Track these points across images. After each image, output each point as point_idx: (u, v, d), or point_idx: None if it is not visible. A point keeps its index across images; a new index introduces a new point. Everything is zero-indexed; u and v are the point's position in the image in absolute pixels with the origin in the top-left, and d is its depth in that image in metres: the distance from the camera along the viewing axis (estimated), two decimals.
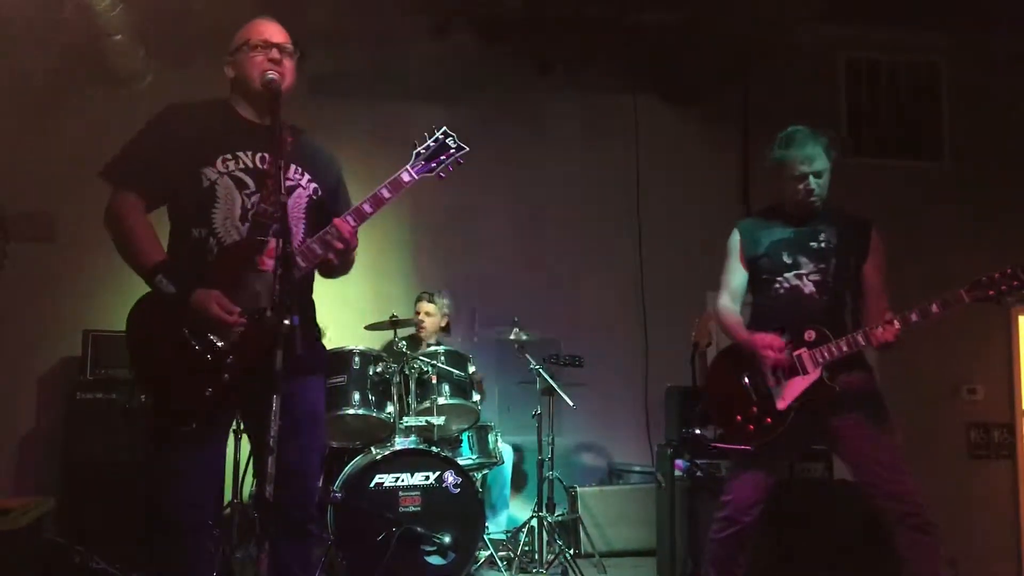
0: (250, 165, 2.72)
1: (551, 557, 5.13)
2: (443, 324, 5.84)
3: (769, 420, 3.48)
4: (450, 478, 4.52)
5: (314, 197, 2.82)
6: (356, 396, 4.80)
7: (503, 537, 5.51)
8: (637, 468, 6.20)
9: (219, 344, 2.58)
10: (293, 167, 2.79)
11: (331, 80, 6.12)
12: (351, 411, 4.76)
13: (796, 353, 3.46)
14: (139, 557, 4.42)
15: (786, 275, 3.58)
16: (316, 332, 2.94)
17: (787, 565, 4.31)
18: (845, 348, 3.39)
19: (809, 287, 3.55)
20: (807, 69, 7.11)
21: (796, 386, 3.46)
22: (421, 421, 4.78)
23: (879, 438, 3.41)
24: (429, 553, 4.39)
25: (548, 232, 6.78)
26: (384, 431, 4.87)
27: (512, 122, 6.65)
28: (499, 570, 4.88)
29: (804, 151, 3.55)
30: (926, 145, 7.28)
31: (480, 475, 5.25)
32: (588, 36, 6.37)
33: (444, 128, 2.81)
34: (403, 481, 4.46)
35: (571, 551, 5.20)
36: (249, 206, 2.68)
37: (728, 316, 3.70)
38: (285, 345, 2.30)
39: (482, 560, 4.91)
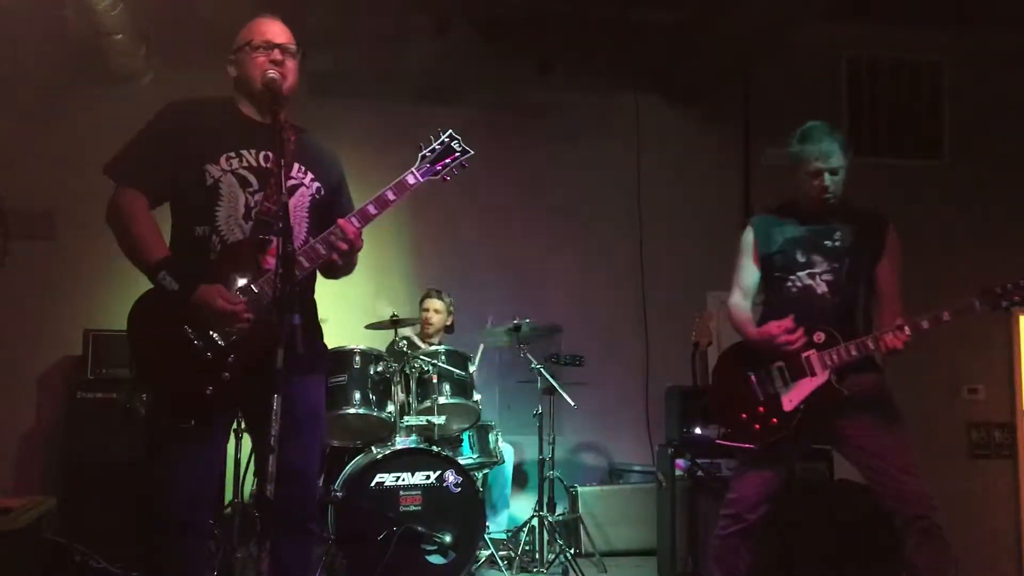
0: (253, 163, 2.72)
1: (552, 556, 5.13)
2: (448, 323, 5.85)
3: (775, 420, 3.46)
4: (451, 477, 4.52)
5: (317, 196, 2.82)
6: (357, 395, 4.80)
7: (504, 536, 5.51)
8: (638, 468, 6.20)
9: (220, 342, 2.58)
10: (296, 166, 2.79)
11: (332, 80, 6.12)
12: (352, 410, 4.76)
13: (805, 355, 3.42)
14: (139, 556, 4.45)
15: (799, 274, 3.54)
16: (318, 331, 2.93)
17: (787, 565, 4.31)
18: (855, 352, 3.35)
19: (822, 287, 3.51)
20: (808, 68, 7.11)
21: (803, 388, 3.43)
22: (422, 420, 4.78)
23: (888, 440, 3.38)
24: (430, 552, 4.40)
25: (549, 230, 6.78)
26: (385, 430, 4.87)
27: (513, 121, 6.65)
28: (500, 569, 4.89)
29: (821, 147, 3.51)
30: (926, 144, 7.28)
31: (481, 474, 5.25)
32: (589, 35, 6.37)
33: (450, 131, 2.81)
34: (404, 480, 4.46)
35: (572, 550, 5.21)
36: (252, 204, 2.67)
37: (739, 313, 3.66)
38: (286, 344, 2.29)
39: (483, 559, 4.91)
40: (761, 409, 3.50)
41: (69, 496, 5.03)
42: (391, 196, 2.72)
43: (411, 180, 2.75)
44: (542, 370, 5.36)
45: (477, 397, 5.08)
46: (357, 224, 2.68)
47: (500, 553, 5.03)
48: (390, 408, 4.86)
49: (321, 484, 3.56)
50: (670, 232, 6.88)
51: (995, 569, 6.40)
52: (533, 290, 6.55)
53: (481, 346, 5.72)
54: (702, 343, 5.08)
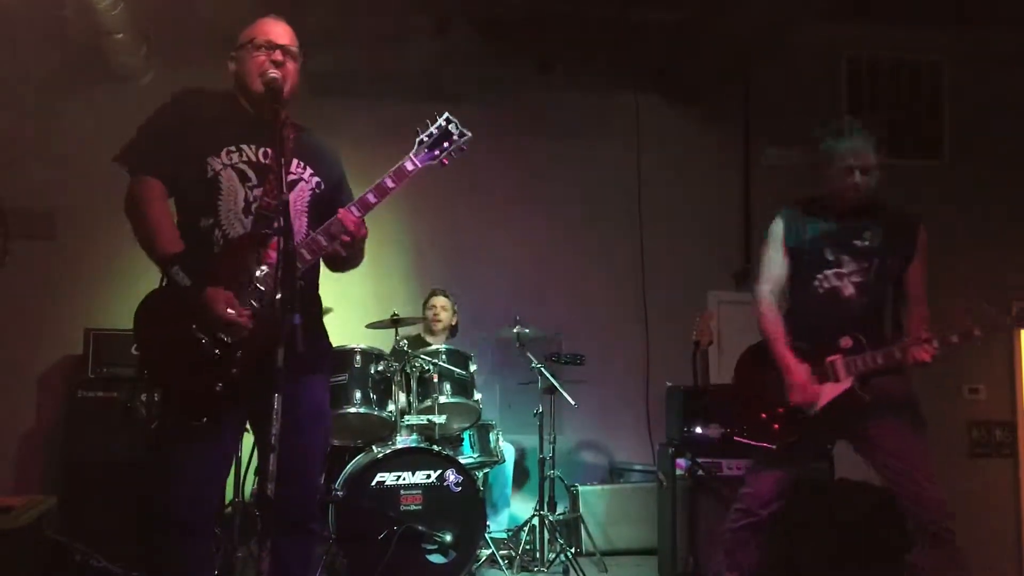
0: (253, 159, 2.72)
1: (552, 556, 5.13)
2: (454, 322, 5.86)
3: (795, 423, 3.44)
4: (451, 477, 4.51)
5: (317, 191, 2.82)
6: (357, 394, 4.80)
7: (504, 536, 5.51)
8: (638, 467, 6.20)
9: (227, 339, 2.58)
10: (295, 161, 2.78)
11: (332, 79, 6.12)
12: (352, 409, 4.76)
13: (830, 359, 3.40)
14: (140, 556, 4.45)
15: (827, 272, 3.50)
16: (322, 331, 2.93)
17: (788, 563, 4.30)
18: (881, 361, 3.33)
19: (849, 289, 3.47)
20: (808, 68, 7.12)
21: (826, 392, 3.41)
22: (422, 420, 4.78)
23: (911, 445, 3.38)
24: (430, 552, 4.39)
25: (549, 231, 6.78)
26: (385, 429, 4.87)
27: (513, 121, 6.66)
28: (500, 569, 4.89)
29: (855, 144, 3.47)
30: (926, 144, 7.28)
31: (481, 474, 5.25)
32: (589, 35, 6.37)
33: (446, 115, 2.78)
34: (404, 479, 4.46)
35: (572, 550, 5.21)
36: (252, 199, 2.67)
37: (770, 320, 3.60)
38: (287, 343, 2.29)
39: (483, 559, 4.91)
40: (781, 410, 3.48)
41: (70, 495, 5.03)
42: (390, 184, 2.70)
43: (409, 166, 2.73)
44: (543, 369, 5.36)
45: (478, 396, 5.08)
46: (357, 213, 2.67)
47: (501, 552, 5.03)
48: (391, 407, 4.86)
49: (322, 483, 3.55)
50: (670, 232, 6.89)
51: (995, 568, 6.39)
52: (533, 290, 6.55)
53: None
54: (703, 342, 5.07)
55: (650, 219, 6.87)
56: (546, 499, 5.25)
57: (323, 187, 2.84)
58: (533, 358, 5.38)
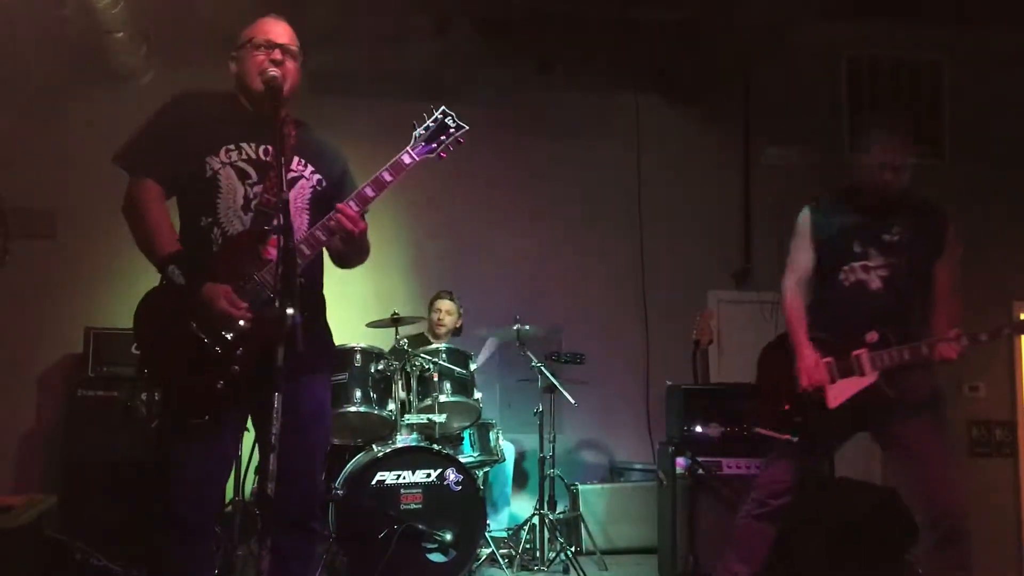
0: (253, 156, 2.72)
1: (552, 555, 5.13)
2: (458, 324, 5.86)
3: (817, 415, 3.44)
4: (451, 476, 4.51)
5: (318, 188, 2.82)
6: (358, 393, 4.79)
7: (504, 535, 5.51)
8: (638, 466, 6.21)
9: (228, 336, 2.58)
10: (296, 159, 2.79)
11: (332, 78, 6.13)
12: (352, 408, 4.75)
13: (856, 353, 3.39)
14: (141, 554, 4.46)
15: (853, 265, 3.48)
16: (326, 329, 2.92)
17: (786, 562, 4.30)
18: (907, 356, 3.32)
19: (876, 283, 3.46)
20: (808, 68, 7.12)
21: (850, 387, 3.40)
22: (422, 419, 4.78)
23: (936, 451, 3.38)
24: (430, 551, 4.39)
25: (549, 230, 6.79)
26: (385, 429, 4.87)
27: (513, 121, 6.66)
28: (500, 568, 4.89)
29: (889, 140, 3.46)
30: (927, 144, 7.28)
31: (481, 473, 5.25)
32: (589, 35, 6.37)
33: (443, 108, 2.78)
34: (404, 479, 4.46)
35: (572, 549, 5.21)
36: (251, 196, 2.67)
37: (793, 308, 3.59)
38: (287, 342, 2.29)
39: (483, 558, 4.91)
40: (804, 402, 3.47)
41: (70, 494, 5.03)
42: (388, 177, 2.70)
43: (407, 160, 2.73)
44: (542, 368, 5.36)
45: (478, 395, 5.08)
46: (355, 207, 2.67)
47: (501, 551, 5.03)
48: (391, 406, 4.86)
49: (322, 482, 3.55)
50: (670, 231, 6.89)
51: (995, 566, 6.40)
52: (534, 289, 6.56)
53: (491, 343, 5.74)
54: (703, 341, 5.08)
55: (650, 218, 6.87)
56: (546, 498, 5.25)
57: (324, 184, 2.84)
58: (533, 357, 5.38)
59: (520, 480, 6.25)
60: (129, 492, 4.95)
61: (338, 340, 4.91)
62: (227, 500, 4.73)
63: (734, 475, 4.66)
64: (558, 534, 5.15)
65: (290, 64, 2.75)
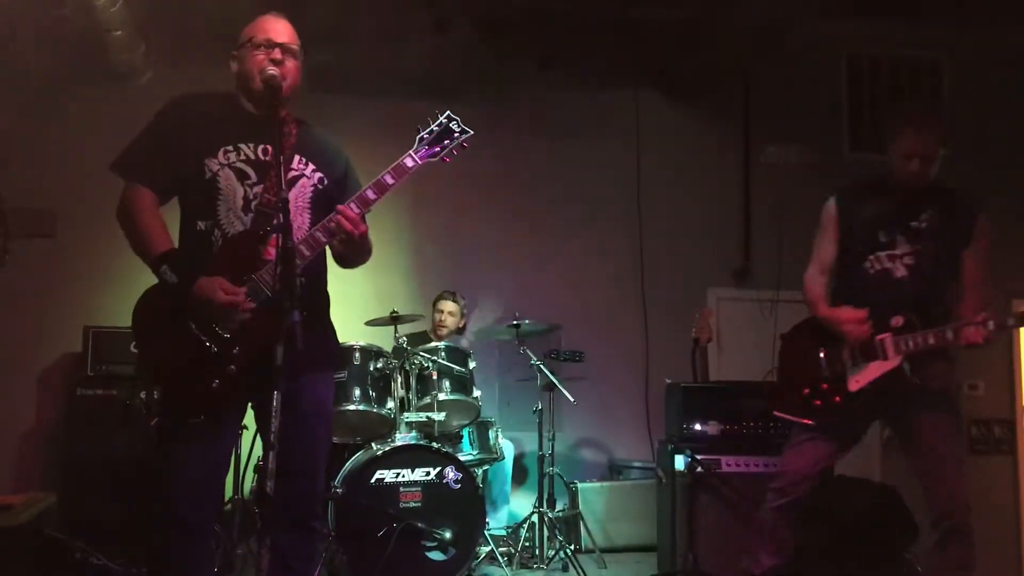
0: (252, 156, 2.72)
1: (552, 553, 5.13)
2: (461, 324, 5.86)
3: (838, 399, 3.44)
4: (451, 474, 4.51)
5: (319, 186, 2.82)
6: (357, 392, 4.79)
7: (504, 533, 5.51)
8: (638, 464, 6.20)
9: (224, 335, 2.58)
10: (297, 157, 2.79)
11: (332, 76, 6.12)
12: (351, 407, 4.75)
13: (879, 338, 3.38)
14: (139, 553, 4.46)
15: (879, 254, 3.47)
16: (328, 328, 2.92)
17: (786, 559, 4.30)
18: (932, 341, 3.29)
19: (901, 271, 3.45)
20: (808, 66, 7.12)
21: (872, 370, 3.39)
22: (422, 417, 4.77)
23: (953, 449, 3.39)
24: (430, 549, 4.39)
25: (549, 228, 6.79)
26: (385, 427, 4.87)
27: (513, 118, 6.66)
28: (500, 566, 4.89)
29: (920, 130, 3.45)
30: None
31: (481, 471, 5.26)
32: (589, 33, 6.37)
33: (448, 112, 2.78)
34: (404, 477, 4.46)
35: (572, 547, 5.21)
36: (251, 196, 2.67)
37: (814, 288, 3.60)
38: (286, 341, 2.29)
39: (483, 556, 4.91)
40: (825, 386, 3.48)
41: (69, 493, 5.04)
42: (390, 180, 2.70)
43: (409, 163, 2.73)
44: (542, 366, 5.36)
45: (477, 393, 5.08)
46: (356, 209, 2.67)
47: (500, 549, 5.03)
48: (390, 404, 4.86)
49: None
50: (670, 229, 6.89)
51: (994, 564, 6.40)
52: (533, 287, 6.56)
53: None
54: (702, 339, 5.08)
55: (650, 217, 6.87)
56: (545, 496, 5.25)
57: (326, 183, 2.83)
58: (532, 355, 5.38)
59: (519, 478, 6.25)
60: (128, 491, 4.95)
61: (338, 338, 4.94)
62: (226, 499, 4.74)
63: (733, 473, 4.67)
64: (557, 532, 5.15)
65: (290, 63, 2.75)
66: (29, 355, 5.98)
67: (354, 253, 2.84)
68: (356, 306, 5.71)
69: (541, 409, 5.39)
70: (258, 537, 2.50)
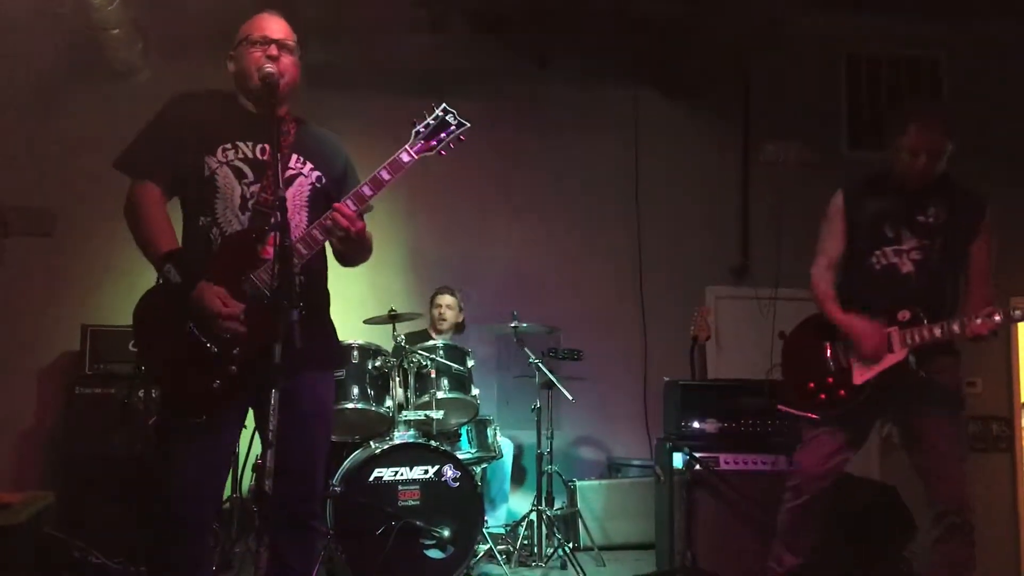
0: (250, 155, 2.72)
1: (550, 550, 5.13)
2: (460, 320, 5.86)
3: (843, 393, 3.44)
4: (449, 472, 4.51)
5: (317, 185, 2.81)
6: (355, 390, 4.80)
7: (502, 531, 5.51)
8: (636, 462, 6.20)
9: (225, 335, 2.58)
10: (295, 156, 2.79)
11: (329, 73, 6.12)
12: (350, 405, 4.75)
13: (885, 331, 3.39)
14: (138, 552, 4.46)
15: (885, 249, 3.47)
16: (329, 326, 2.92)
17: None
18: (938, 334, 3.29)
19: (908, 266, 3.44)
20: (807, 63, 7.11)
21: (878, 364, 3.39)
22: (420, 415, 4.77)
23: (950, 445, 3.39)
24: (428, 547, 4.39)
25: (547, 225, 6.78)
26: (383, 425, 4.87)
27: (510, 115, 6.65)
28: (498, 563, 4.89)
29: (926, 126, 3.44)
30: None
31: (479, 469, 5.26)
32: (587, 29, 6.37)
33: (444, 105, 2.77)
34: (402, 475, 4.46)
35: (570, 545, 5.21)
36: (248, 195, 2.67)
37: (823, 289, 3.58)
38: (284, 340, 2.29)
39: (481, 554, 4.90)
40: (830, 380, 3.48)
41: (68, 491, 5.04)
42: (386, 175, 2.69)
43: (405, 158, 2.72)
44: (540, 365, 5.36)
45: (475, 392, 5.08)
46: (353, 206, 2.66)
47: (499, 547, 5.03)
48: (388, 403, 4.86)
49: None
50: (668, 226, 6.89)
51: (993, 561, 6.41)
52: (531, 285, 6.55)
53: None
54: (700, 337, 5.07)
55: (648, 214, 6.87)
56: (544, 494, 5.25)
57: (324, 181, 2.83)
58: (531, 353, 5.38)
59: (518, 476, 6.25)
60: (127, 489, 4.95)
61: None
62: (225, 497, 4.73)
63: (731, 471, 4.66)
64: (556, 530, 5.15)
65: (287, 59, 2.75)
66: (27, 354, 5.98)
67: (352, 251, 2.84)
68: (354, 304, 5.70)
69: (540, 407, 5.39)
70: (257, 536, 2.50)
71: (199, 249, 2.66)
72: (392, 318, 5.10)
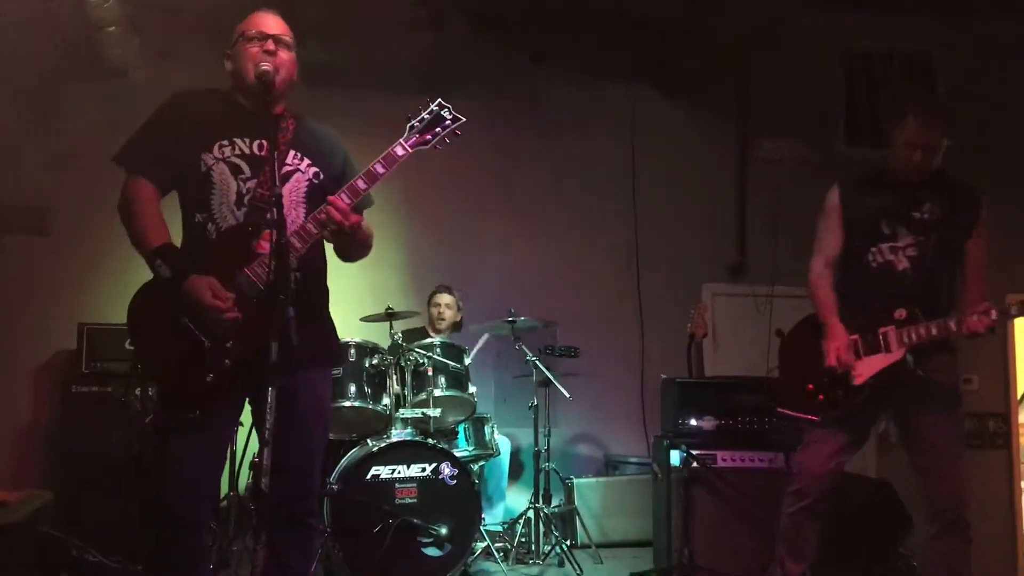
0: (246, 151, 2.72)
1: (547, 548, 5.14)
2: (458, 319, 5.86)
3: (841, 393, 3.43)
4: (446, 470, 4.51)
5: (315, 181, 2.82)
6: (352, 388, 4.79)
7: (499, 528, 5.52)
8: (633, 459, 6.20)
9: (218, 327, 2.57)
10: (292, 152, 2.79)
11: (326, 71, 6.11)
12: (347, 403, 4.75)
13: (882, 331, 3.38)
14: (135, 549, 4.46)
15: (881, 246, 3.47)
16: (327, 324, 2.92)
17: None
18: (935, 332, 3.30)
19: (903, 263, 3.44)
20: (804, 60, 7.11)
21: (875, 363, 3.39)
22: (417, 413, 4.77)
23: (948, 444, 3.40)
24: (425, 545, 4.39)
25: (543, 223, 6.78)
26: (380, 423, 4.87)
27: (507, 114, 6.65)
28: (495, 561, 4.89)
29: (922, 120, 3.43)
30: None
31: (476, 467, 5.25)
32: (584, 27, 6.36)
33: (439, 100, 2.78)
34: (399, 473, 4.46)
35: (567, 542, 5.21)
36: (244, 191, 2.68)
37: (820, 290, 3.58)
38: (280, 337, 2.29)
39: (478, 551, 4.90)
40: (828, 381, 3.47)
41: (65, 490, 5.04)
42: (380, 169, 2.70)
43: (399, 151, 2.73)
44: (537, 362, 5.36)
45: (472, 389, 5.08)
46: (347, 200, 2.67)
47: (496, 545, 5.03)
48: (385, 401, 4.85)
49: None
50: (665, 224, 6.90)
51: (989, 557, 6.42)
52: (528, 282, 6.55)
53: (485, 336, 5.74)
54: (698, 335, 5.08)
55: (645, 212, 6.87)
56: (541, 492, 5.25)
57: (322, 177, 2.83)
58: (528, 351, 5.38)
59: (515, 474, 6.25)
60: (124, 487, 4.94)
61: None
62: (222, 495, 4.73)
63: (729, 468, 4.67)
64: (553, 528, 5.15)
65: (284, 54, 2.77)
66: (23, 352, 5.96)
67: (346, 245, 2.84)
68: (351, 302, 5.70)
69: (537, 405, 5.39)
70: (254, 533, 2.49)
71: (195, 245, 2.67)
72: (389, 316, 5.10)
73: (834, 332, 3.46)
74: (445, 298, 5.83)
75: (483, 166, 6.49)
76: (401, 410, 4.80)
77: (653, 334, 6.67)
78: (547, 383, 5.39)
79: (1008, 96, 7.04)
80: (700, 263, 6.99)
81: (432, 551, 4.40)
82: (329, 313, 2.93)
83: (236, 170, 2.69)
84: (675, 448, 4.72)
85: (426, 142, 2.75)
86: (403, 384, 4.91)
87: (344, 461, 4.62)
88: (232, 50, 2.81)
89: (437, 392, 4.87)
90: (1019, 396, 7.10)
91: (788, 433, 4.08)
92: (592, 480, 5.88)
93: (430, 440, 4.65)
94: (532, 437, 5.41)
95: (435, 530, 4.38)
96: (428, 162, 2.78)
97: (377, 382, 4.89)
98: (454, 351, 5.08)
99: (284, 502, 2.54)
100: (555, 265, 6.74)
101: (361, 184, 2.69)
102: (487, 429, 5.27)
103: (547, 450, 5.39)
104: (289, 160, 2.78)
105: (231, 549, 4.61)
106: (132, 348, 2.75)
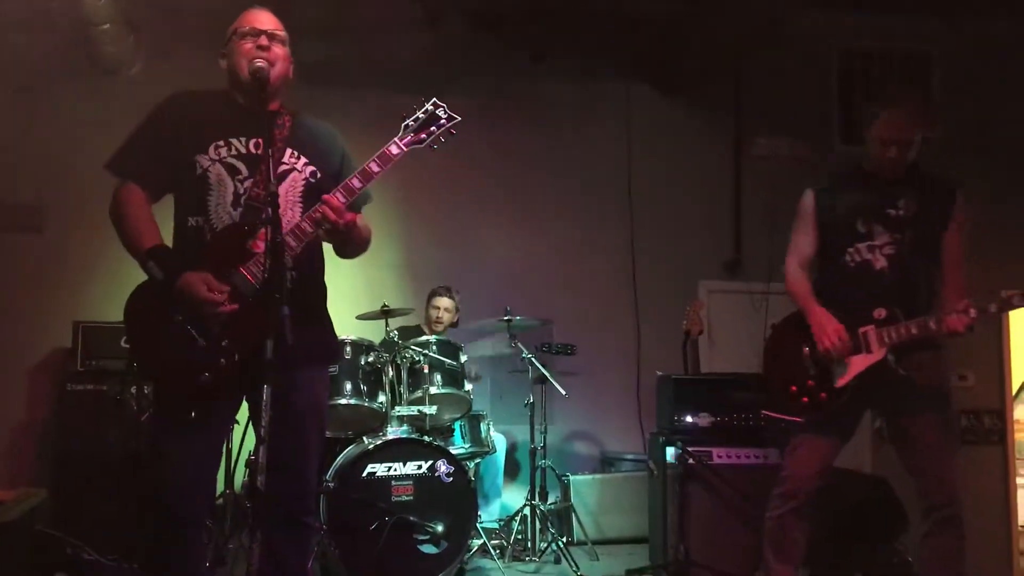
0: (243, 151, 2.72)
1: (544, 545, 5.15)
2: (455, 320, 5.86)
3: (824, 395, 3.42)
4: (442, 467, 4.51)
5: (311, 180, 2.81)
6: (348, 386, 4.79)
7: (496, 526, 5.52)
8: (629, 456, 6.22)
9: (213, 328, 2.57)
10: (289, 151, 2.78)
11: (324, 70, 6.10)
12: (343, 401, 4.74)
13: (863, 330, 3.36)
14: (131, 548, 4.45)
15: (858, 246, 3.45)
16: (325, 321, 2.91)
17: None
18: (915, 331, 3.28)
19: (881, 261, 3.42)
20: (800, 59, 7.12)
21: (857, 364, 3.37)
22: (413, 410, 4.77)
23: (942, 444, 3.39)
24: (422, 542, 4.39)
25: (540, 220, 6.79)
26: (376, 421, 4.87)
27: (504, 112, 6.65)
28: (492, 559, 4.89)
29: (894, 116, 3.40)
30: None
31: (472, 464, 5.25)
32: (581, 26, 6.36)
33: (434, 99, 2.77)
34: (395, 471, 4.45)
35: (564, 539, 5.21)
36: (241, 191, 2.67)
37: (797, 283, 3.57)
38: (276, 335, 2.28)
39: (475, 549, 4.91)
40: (811, 383, 3.45)
41: (60, 488, 5.04)
42: (375, 167, 2.69)
43: (394, 150, 2.72)
44: (533, 359, 5.36)
45: (468, 387, 5.08)
46: (342, 199, 2.66)
47: (492, 542, 5.03)
48: (381, 398, 4.85)
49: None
50: (661, 221, 6.91)
51: (984, 554, 6.43)
52: (524, 280, 6.55)
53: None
54: (693, 332, 5.08)
55: (641, 209, 6.88)
56: (537, 489, 5.27)
57: (319, 176, 2.82)
58: (524, 348, 5.38)
59: (511, 471, 6.26)
60: (120, 486, 4.94)
61: None
62: (218, 493, 4.73)
63: (724, 464, 4.68)
64: (549, 525, 5.16)
65: (278, 49, 2.76)
66: (18, 351, 5.96)
67: (341, 243, 2.83)
68: (347, 300, 5.69)
69: (533, 402, 5.40)
70: (250, 531, 2.49)
71: (190, 247, 2.66)
72: (385, 313, 5.10)
73: (821, 316, 3.43)
74: (444, 302, 5.82)
75: (481, 165, 6.49)
76: (397, 408, 4.79)
77: (649, 331, 6.67)
78: (543, 380, 5.39)
79: (1008, 96, 7.04)
80: (696, 260, 7.00)
81: (428, 548, 4.40)
82: (327, 311, 2.93)
83: (233, 171, 2.69)
84: (671, 445, 4.73)
85: (421, 141, 2.75)
86: (399, 381, 4.91)
87: (340, 459, 4.62)
88: (226, 48, 2.80)
89: (433, 390, 4.87)
90: (1014, 392, 7.11)
91: (783, 430, 4.08)
92: (588, 477, 5.89)
93: (426, 437, 4.65)
94: (528, 434, 5.42)
95: (431, 527, 4.38)
96: (426, 160, 2.78)
97: (373, 380, 4.89)
98: (450, 349, 5.08)
99: (280, 500, 2.54)
100: (552, 262, 6.74)
101: (356, 183, 2.68)
102: (483, 426, 5.27)
103: (543, 447, 5.40)
104: (286, 159, 2.77)
105: (227, 547, 4.60)
106: (128, 348, 2.75)
